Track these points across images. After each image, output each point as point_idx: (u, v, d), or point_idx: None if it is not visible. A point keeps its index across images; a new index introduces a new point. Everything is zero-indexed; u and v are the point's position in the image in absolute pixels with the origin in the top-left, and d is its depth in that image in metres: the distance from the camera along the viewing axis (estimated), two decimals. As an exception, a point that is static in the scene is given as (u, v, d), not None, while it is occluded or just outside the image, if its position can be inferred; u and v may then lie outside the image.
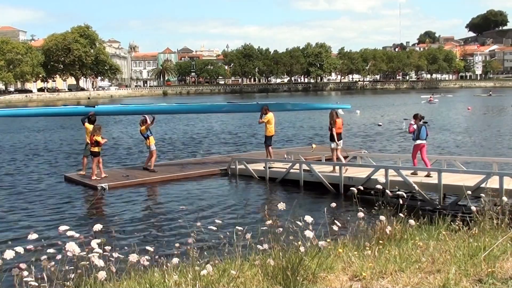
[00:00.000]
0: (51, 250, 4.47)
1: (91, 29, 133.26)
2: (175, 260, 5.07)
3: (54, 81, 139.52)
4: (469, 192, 8.95)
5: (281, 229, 5.28)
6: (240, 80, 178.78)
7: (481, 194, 7.84)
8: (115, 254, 4.84)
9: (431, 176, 14.14)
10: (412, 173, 14.40)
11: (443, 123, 39.48)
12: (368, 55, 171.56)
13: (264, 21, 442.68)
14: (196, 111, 29.08)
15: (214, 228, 5.46)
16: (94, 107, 19.22)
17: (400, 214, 6.68)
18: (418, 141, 15.38)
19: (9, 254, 3.97)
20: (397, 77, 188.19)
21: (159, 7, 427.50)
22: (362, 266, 5.11)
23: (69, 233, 4.47)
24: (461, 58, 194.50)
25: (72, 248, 4.13)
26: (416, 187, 13.16)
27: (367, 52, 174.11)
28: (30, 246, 4.44)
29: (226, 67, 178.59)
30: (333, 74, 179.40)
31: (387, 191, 7.00)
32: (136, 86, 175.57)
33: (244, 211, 13.61)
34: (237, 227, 5.46)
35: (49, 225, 12.14)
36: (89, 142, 17.77)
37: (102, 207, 14.90)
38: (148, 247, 5.43)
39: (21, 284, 4.11)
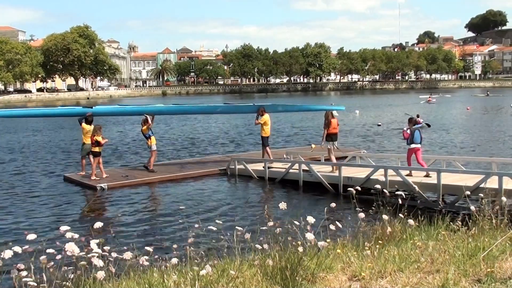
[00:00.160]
0: (50, 250, 4.46)
1: (90, 29, 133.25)
2: (174, 260, 5.07)
3: (53, 81, 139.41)
4: (468, 192, 8.96)
5: (280, 229, 5.28)
6: (239, 80, 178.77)
7: (480, 194, 7.85)
8: (114, 254, 4.83)
9: (430, 176, 14.15)
10: (407, 174, 14.36)
11: (442, 123, 39.49)
12: (367, 55, 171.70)
13: (264, 21, 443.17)
14: (192, 112, 29.31)
15: (213, 228, 5.46)
16: (91, 108, 19.24)
17: (400, 215, 6.69)
18: (413, 145, 15.44)
19: (8, 254, 3.97)
20: (396, 77, 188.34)
21: (159, 7, 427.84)
22: (361, 266, 5.11)
23: (68, 233, 4.46)
24: (460, 58, 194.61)
25: (71, 248, 4.13)
26: (415, 187, 13.15)
27: (366, 52, 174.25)
28: (29, 247, 4.44)
29: (225, 67, 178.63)
30: (332, 74, 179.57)
31: (386, 191, 7.00)
32: (136, 86, 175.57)
33: (243, 211, 13.61)
34: (236, 227, 5.46)
35: (49, 225, 12.15)
36: (85, 142, 17.86)
37: (101, 207, 14.89)
38: (147, 247, 5.43)
39: (20, 284, 4.10)
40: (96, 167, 17.41)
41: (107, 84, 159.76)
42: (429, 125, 36.07)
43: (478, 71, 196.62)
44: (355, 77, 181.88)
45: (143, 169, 18.96)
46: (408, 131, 15.47)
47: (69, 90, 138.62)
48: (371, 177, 14.09)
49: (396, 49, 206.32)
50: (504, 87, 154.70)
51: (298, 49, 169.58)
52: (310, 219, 4.90)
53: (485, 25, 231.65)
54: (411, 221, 6.49)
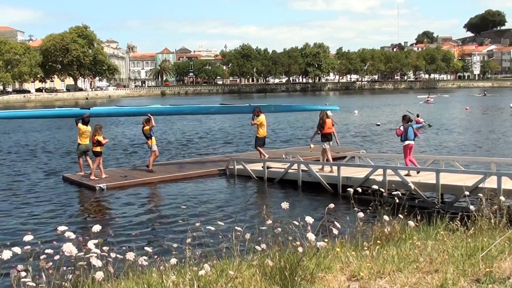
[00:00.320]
0: (49, 251, 4.46)
1: (89, 29, 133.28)
2: (173, 260, 5.07)
3: (52, 81, 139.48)
4: (467, 192, 8.96)
5: (279, 229, 5.28)
6: (238, 80, 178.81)
7: (479, 194, 7.84)
8: (113, 255, 4.83)
9: (410, 175, 14.22)
10: (406, 174, 14.37)
11: (441, 123, 39.51)
12: (366, 55, 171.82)
13: (263, 21, 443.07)
14: (188, 112, 29.67)
15: (212, 229, 5.45)
16: (89, 109, 19.28)
17: (399, 215, 6.69)
18: (407, 142, 15.51)
19: (6, 255, 3.96)
20: (395, 77, 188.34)
21: (157, 7, 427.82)
22: (360, 266, 5.11)
23: (67, 233, 4.46)
24: (459, 58, 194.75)
25: (69, 248, 4.12)
26: (414, 187, 13.14)
27: (365, 52, 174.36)
28: (28, 247, 4.43)
29: (224, 67, 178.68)
30: (331, 74, 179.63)
31: (384, 191, 7.01)
32: (136, 86, 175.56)
33: (242, 211, 13.60)
34: (235, 227, 5.46)
35: (48, 226, 12.13)
36: (80, 142, 17.97)
37: (100, 207, 14.87)
38: (146, 247, 5.43)
39: (18, 284, 4.10)
40: (96, 167, 17.41)
41: (106, 84, 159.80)
42: (429, 125, 36.18)
43: (477, 71, 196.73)
44: (354, 77, 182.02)
45: (142, 170, 18.97)
46: (401, 128, 15.52)
47: (68, 90, 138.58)
48: (370, 177, 14.08)
49: (395, 49, 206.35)
50: (502, 87, 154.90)
51: (297, 49, 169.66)
52: (309, 219, 4.90)
53: (484, 25, 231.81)
54: (410, 221, 6.50)
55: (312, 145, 18.89)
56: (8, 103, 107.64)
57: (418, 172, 14.64)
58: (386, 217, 6.38)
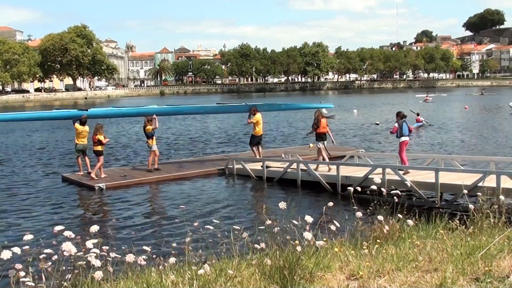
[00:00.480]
0: (48, 250, 4.46)
1: (88, 29, 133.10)
2: (172, 259, 5.07)
3: (51, 81, 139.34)
4: (466, 191, 8.97)
5: (278, 228, 5.28)
6: (237, 79, 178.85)
7: (478, 193, 7.85)
8: (112, 254, 4.83)
9: (409, 172, 14.28)
10: (404, 173, 14.38)
11: (440, 122, 39.51)
12: (365, 55, 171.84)
13: (262, 21, 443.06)
14: (186, 112, 30.14)
15: (211, 228, 5.45)
16: (87, 110, 19.37)
17: (398, 214, 6.69)
18: (403, 138, 15.55)
19: (5, 254, 3.96)
20: (394, 76, 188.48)
21: (156, 7, 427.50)
22: (359, 265, 5.11)
23: (66, 233, 4.46)
24: (458, 57, 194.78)
25: (68, 248, 4.12)
26: (413, 186, 13.15)
27: (364, 51, 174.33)
28: (27, 247, 4.43)
29: (223, 67, 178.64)
30: (330, 73, 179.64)
31: (384, 190, 7.01)
32: (135, 86, 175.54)
33: (241, 210, 13.62)
34: (234, 226, 5.46)
35: (47, 225, 12.12)
36: (77, 142, 18.13)
37: (99, 207, 14.88)
38: (145, 247, 5.43)
39: (18, 284, 4.10)
40: (100, 166, 17.58)
41: (105, 84, 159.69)
42: (430, 124, 36.25)
43: (476, 70, 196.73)
44: (353, 76, 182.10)
45: (142, 169, 18.99)
46: (396, 125, 15.53)
47: (67, 90, 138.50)
48: (369, 176, 14.09)
49: (394, 48, 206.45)
50: (501, 86, 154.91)
51: (296, 49, 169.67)
52: (308, 218, 4.90)
53: (482, 24, 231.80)
54: (409, 220, 6.50)
55: (311, 145, 18.94)
56: (7, 103, 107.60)
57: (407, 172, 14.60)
58: (385, 216, 6.38)
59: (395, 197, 6.86)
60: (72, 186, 17.40)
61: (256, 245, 5.28)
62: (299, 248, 4.79)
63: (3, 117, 21.14)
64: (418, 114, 36.90)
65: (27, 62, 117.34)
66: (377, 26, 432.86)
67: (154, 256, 5.63)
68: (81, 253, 4.37)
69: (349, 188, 7.52)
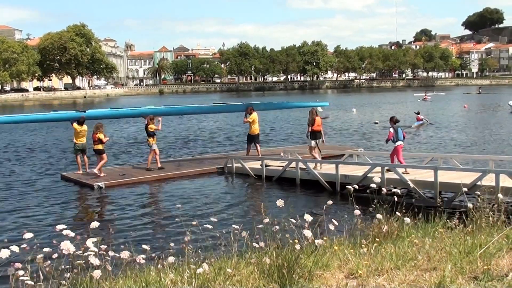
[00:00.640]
0: (46, 249, 4.46)
1: (87, 27, 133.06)
2: (171, 258, 5.07)
3: (50, 80, 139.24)
4: (465, 189, 8.97)
5: (277, 227, 5.28)
6: (236, 78, 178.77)
7: (477, 192, 7.84)
8: (111, 253, 4.83)
9: (408, 173, 14.22)
10: (403, 172, 14.38)
11: (439, 121, 39.51)
12: (364, 53, 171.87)
13: (261, 20, 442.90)
14: (183, 112, 30.41)
15: (210, 227, 5.45)
16: (85, 111, 19.46)
17: (397, 213, 6.69)
18: (398, 143, 15.47)
19: (4, 253, 3.96)
20: (393, 75, 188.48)
21: (155, 6, 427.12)
22: (358, 264, 5.11)
23: (65, 232, 4.46)
24: (457, 56, 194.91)
25: (67, 247, 4.12)
26: (412, 185, 13.16)
27: (363, 50, 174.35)
28: (26, 246, 4.43)
29: (222, 66, 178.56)
30: (329, 72, 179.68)
31: (383, 188, 7.01)
32: (135, 85, 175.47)
33: (240, 209, 13.62)
34: (233, 225, 5.46)
35: (46, 224, 12.13)
36: (76, 142, 18.17)
37: (98, 206, 14.89)
38: (144, 246, 5.43)
39: (17, 283, 4.10)
40: (104, 164, 17.72)
41: (104, 83, 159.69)
42: (431, 123, 36.35)
43: (475, 69, 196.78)
44: (352, 75, 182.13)
45: (141, 168, 19.00)
46: (391, 130, 15.49)
47: (66, 89, 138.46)
48: (368, 175, 14.09)
49: (393, 47, 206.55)
50: (500, 85, 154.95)
51: (295, 47, 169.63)
52: (307, 217, 4.90)
53: (482, 23, 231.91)
54: (408, 219, 6.50)
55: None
56: (6, 102, 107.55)
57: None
58: (384, 215, 6.38)
59: (394, 196, 6.87)
60: (71, 185, 17.40)
61: (255, 244, 5.28)
62: (298, 247, 4.79)
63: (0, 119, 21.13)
64: (418, 113, 37.03)
65: (26, 61, 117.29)
66: (376, 25, 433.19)
67: (153, 255, 5.64)
68: (80, 252, 4.37)
69: (348, 186, 7.51)
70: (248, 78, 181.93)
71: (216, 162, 20.05)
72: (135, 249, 5.27)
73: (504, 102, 58.99)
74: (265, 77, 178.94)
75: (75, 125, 18.11)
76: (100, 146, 17.55)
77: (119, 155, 24.95)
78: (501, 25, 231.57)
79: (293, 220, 5.22)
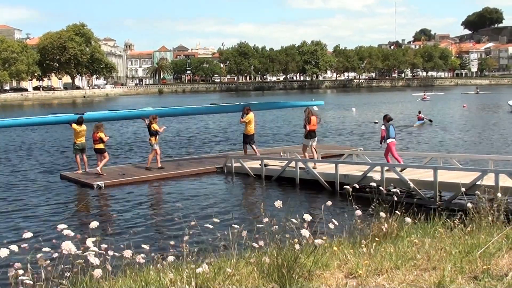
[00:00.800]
0: (46, 249, 4.46)
1: (86, 27, 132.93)
2: (171, 258, 5.06)
3: (50, 79, 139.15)
4: (465, 189, 8.97)
5: (276, 227, 5.28)
6: (235, 78, 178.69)
7: (477, 192, 7.85)
8: (111, 252, 4.83)
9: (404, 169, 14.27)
10: (401, 169, 14.39)
11: (439, 121, 39.51)
12: (364, 53, 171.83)
13: (260, 20, 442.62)
14: (180, 113, 30.52)
15: (210, 226, 5.45)
16: (83, 114, 19.53)
17: (397, 212, 6.69)
18: (389, 140, 15.60)
19: (4, 253, 3.96)
20: (393, 75, 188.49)
21: (155, 6, 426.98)
22: (358, 263, 5.12)
23: (65, 231, 4.46)
24: (457, 55, 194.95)
25: (68, 247, 4.12)
26: (412, 185, 13.16)
27: (362, 50, 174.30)
28: (26, 245, 4.43)
29: (221, 65, 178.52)
30: (328, 72, 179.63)
31: (382, 188, 7.01)
32: (135, 84, 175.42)
33: (240, 209, 13.62)
34: (232, 225, 5.46)
35: (45, 224, 12.13)
36: (76, 142, 18.22)
37: (98, 205, 14.88)
38: (143, 245, 5.42)
39: (16, 282, 4.09)
40: (105, 163, 17.84)
41: (104, 82, 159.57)
42: (430, 121, 36.50)
43: (474, 68, 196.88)
44: (352, 75, 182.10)
45: (140, 167, 19.01)
46: (383, 127, 15.63)
47: (65, 88, 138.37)
48: (368, 175, 14.10)
49: (392, 47, 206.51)
50: (500, 85, 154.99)
51: (295, 47, 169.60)
52: (307, 217, 4.90)
53: (481, 23, 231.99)
54: (407, 219, 6.50)
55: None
56: (5, 101, 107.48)
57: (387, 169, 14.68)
58: (383, 215, 6.38)
59: (393, 196, 6.87)
60: (70, 184, 17.40)
61: (254, 244, 5.27)
62: (297, 247, 4.79)
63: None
64: (419, 112, 37.26)
65: (25, 60, 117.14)
66: (376, 24, 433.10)
67: (152, 254, 5.63)
68: (80, 251, 4.37)
69: (347, 186, 7.52)
70: (248, 77, 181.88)
71: (215, 161, 20.05)
72: (134, 249, 5.26)
73: (502, 101, 59.02)
74: (265, 76, 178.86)
75: (74, 125, 18.16)
76: (101, 145, 17.69)
77: (118, 154, 24.93)
78: (500, 25, 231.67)
79: (292, 220, 5.22)
